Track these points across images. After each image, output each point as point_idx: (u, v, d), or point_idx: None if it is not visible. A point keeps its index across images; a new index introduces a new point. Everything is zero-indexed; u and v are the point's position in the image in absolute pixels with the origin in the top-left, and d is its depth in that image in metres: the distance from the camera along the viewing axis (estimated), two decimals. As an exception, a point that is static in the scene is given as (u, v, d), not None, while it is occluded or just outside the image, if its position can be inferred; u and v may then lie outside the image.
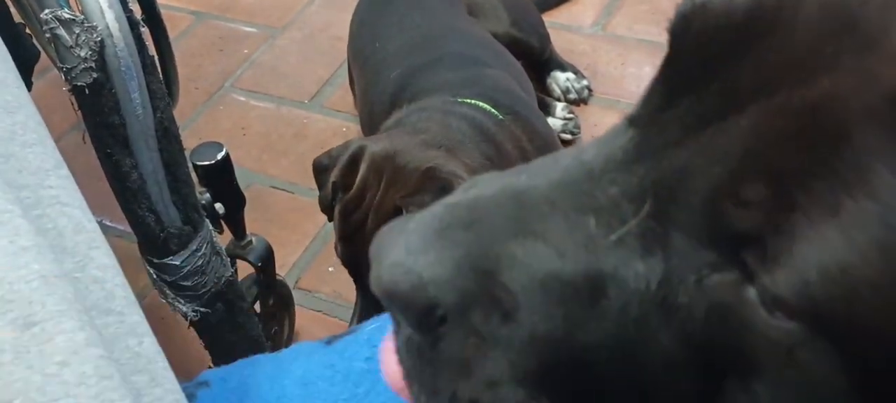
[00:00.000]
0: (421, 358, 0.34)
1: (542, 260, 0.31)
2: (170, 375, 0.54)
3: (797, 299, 0.26)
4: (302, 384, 0.58)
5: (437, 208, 0.33)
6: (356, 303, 1.17)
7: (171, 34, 1.05)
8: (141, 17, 1.13)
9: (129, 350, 0.53)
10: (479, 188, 0.34)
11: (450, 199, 0.34)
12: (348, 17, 1.57)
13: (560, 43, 1.74)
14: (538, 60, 1.67)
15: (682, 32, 0.32)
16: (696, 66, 0.30)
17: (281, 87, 1.79)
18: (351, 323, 1.09)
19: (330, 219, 1.16)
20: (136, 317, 0.56)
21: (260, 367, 0.61)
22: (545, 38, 1.67)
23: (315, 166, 1.17)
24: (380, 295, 0.34)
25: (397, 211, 1.05)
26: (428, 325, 0.33)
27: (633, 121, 0.33)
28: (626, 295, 0.31)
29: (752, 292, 0.28)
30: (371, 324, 0.62)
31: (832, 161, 0.26)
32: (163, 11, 1.02)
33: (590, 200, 0.31)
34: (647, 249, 0.30)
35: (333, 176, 1.10)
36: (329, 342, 0.62)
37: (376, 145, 1.08)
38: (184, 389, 0.56)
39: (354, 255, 1.09)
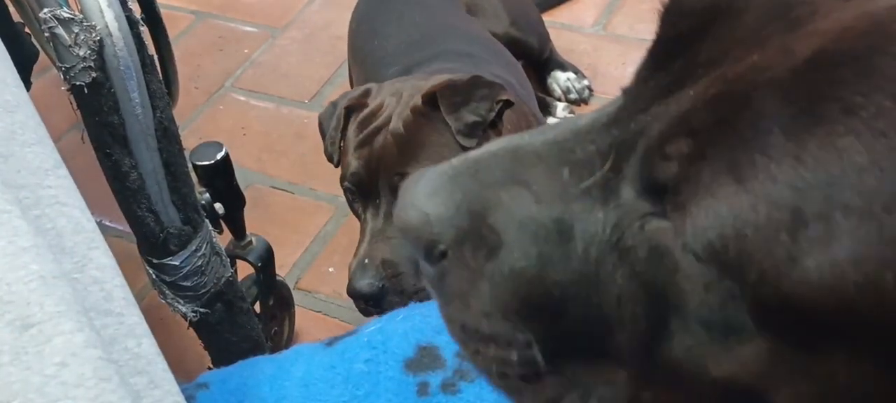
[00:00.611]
0: (436, 290, 0.39)
1: (522, 204, 0.36)
2: (169, 376, 0.54)
3: (701, 246, 0.30)
4: (302, 385, 0.58)
5: (455, 159, 0.38)
6: (361, 232, 1.11)
7: (171, 33, 1.04)
8: (140, 16, 1.12)
9: (128, 352, 0.53)
10: (490, 145, 0.39)
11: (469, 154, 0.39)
12: (349, 16, 1.57)
13: (561, 42, 1.73)
14: (538, 60, 1.67)
15: (666, 14, 0.36)
16: (672, 44, 0.35)
17: (281, 87, 1.78)
18: (356, 254, 1.06)
19: (335, 165, 1.14)
20: (135, 318, 0.56)
21: (260, 369, 0.61)
22: (545, 37, 1.67)
23: (321, 117, 1.19)
24: (398, 228, 0.39)
25: (430, 103, 1.04)
26: (434, 258, 0.38)
27: (624, 90, 0.37)
28: (587, 238, 0.35)
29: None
30: (371, 326, 0.62)
31: (736, 121, 0.29)
32: (163, 11, 1.01)
33: (569, 155, 0.36)
34: (606, 199, 0.34)
35: (345, 101, 1.12)
36: (329, 343, 0.61)
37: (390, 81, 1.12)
38: (183, 391, 0.55)
39: (367, 165, 1.06)
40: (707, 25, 0.34)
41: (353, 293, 1.04)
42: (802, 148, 0.27)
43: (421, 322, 0.61)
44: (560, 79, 1.68)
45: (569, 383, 0.38)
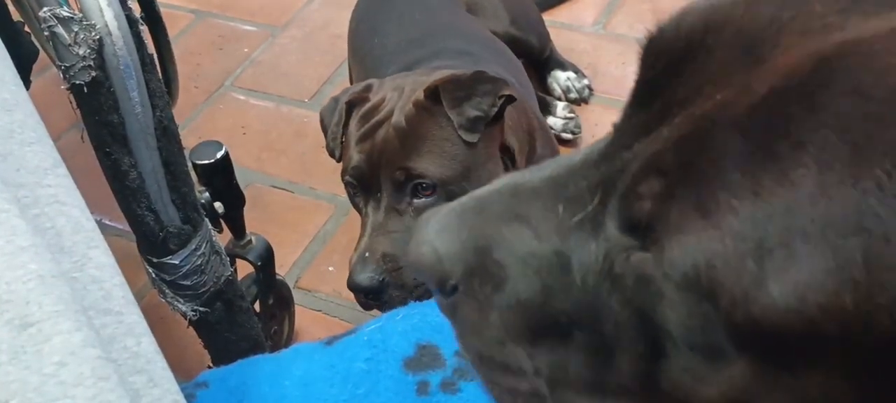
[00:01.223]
0: (452, 320, 0.42)
1: (523, 239, 0.38)
2: (168, 375, 0.54)
3: (678, 276, 0.32)
4: (302, 384, 0.57)
5: (463, 198, 0.41)
6: (362, 227, 1.10)
7: (171, 32, 1.04)
8: (140, 15, 1.12)
9: (128, 351, 0.53)
10: (494, 183, 0.41)
11: (475, 192, 0.41)
12: (348, 15, 1.57)
13: (561, 42, 1.73)
14: (538, 59, 1.67)
15: (644, 55, 0.37)
16: (651, 84, 0.36)
17: (281, 86, 1.78)
18: (356, 248, 1.06)
19: (337, 160, 1.14)
20: (135, 317, 0.56)
21: (259, 368, 0.61)
22: (545, 36, 1.67)
23: (322, 112, 1.18)
24: (412, 264, 0.41)
25: (432, 97, 1.04)
26: (447, 291, 0.40)
27: (615, 126, 0.38)
28: (584, 268, 0.37)
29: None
30: (371, 325, 0.61)
31: (700, 160, 0.31)
32: (162, 9, 1.01)
33: (563, 191, 0.38)
34: (596, 232, 0.36)
35: (347, 96, 1.12)
36: (329, 342, 0.61)
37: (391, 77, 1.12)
38: (183, 389, 0.55)
39: (368, 158, 1.06)
40: (682, 64, 0.35)
41: (353, 286, 1.03)
42: (759, 183, 0.29)
43: (420, 321, 0.60)
44: (560, 79, 1.68)
45: None
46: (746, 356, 0.31)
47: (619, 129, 0.37)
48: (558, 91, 1.68)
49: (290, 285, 1.37)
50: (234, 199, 1.07)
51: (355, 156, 1.07)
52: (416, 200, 1.04)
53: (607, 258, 0.36)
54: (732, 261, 0.29)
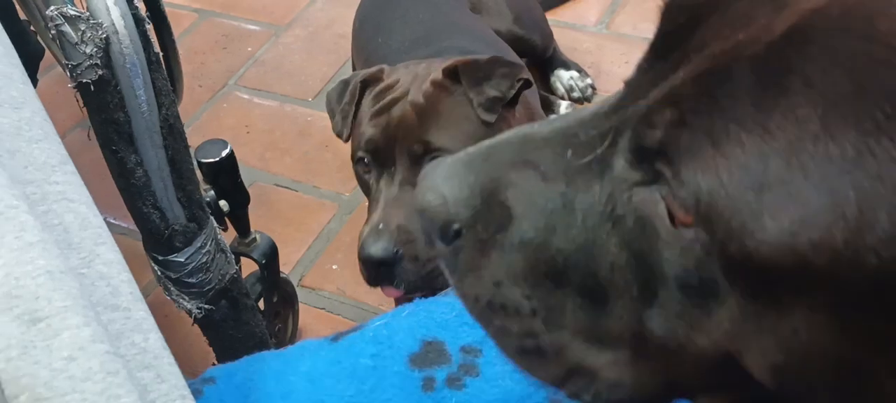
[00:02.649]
0: (450, 267, 0.42)
1: (531, 182, 0.39)
2: (176, 371, 0.54)
3: (679, 203, 0.33)
4: (308, 380, 0.58)
5: (470, 148, 0.42)
6: (374, 202, 1.08)
7: (175, 32, 1.04)
8: (145, 14, 1.13)
9: (135, 346, 0.53)
10: (501, 135, 0.42)
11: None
12: (352, 14, 1.57)
13: (564, 41, 1.73)
14: (541, 58, 1.67)
15: (667, 9, 0.38)
16: (671, 37, 0.37)
17: (285, 85, 1.78)
18: (368, 222, 1.04)
19: (345, 139, 1.13)
20: (142, 313, 0.56)
21: (266, 364, 0.61)
22: (548, 35, 1.67)
23: (329, 94, 1.18)
24: (418, 210, 0.42)
25: (451, 76, 1.05)
26: (449, 237, 0.41)
27: (626, 82, 0.40)
28: (586, 209, 0.38)
29: (662, 207, 0.35)
30: (377, 321, 0.62)
31: (716, 93, 0.32)
32: (167, 9, 1.02)
33: (572, 139, 0.39)
34: (602, 172, 0.37)
35: (361, 76, 1.12)
36: (335, 338, 0.62)
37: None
38: (190, 385, 0.56)
39: (384, 132, 1.05)
40: (704, 16, 0.36)
41: (365, 258, 1.01)
42: (769, 117, 0.30)
43: (426, 318, 0.61)
44: (563, 78, 1.68)
45: (576, 363, 0.40)
46: (737, 294, 0.32)
47: (633, 83, 0.38)
48: (561, 90, 1.68)
49: (295, 283, 1.37)
50: (238, 197, 1.07)
51: (370, 129, 1.06)
52: None
53: (610, 199, 0.37)
54: (734, 192, 0.30)
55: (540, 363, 0.41)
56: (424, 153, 1.02)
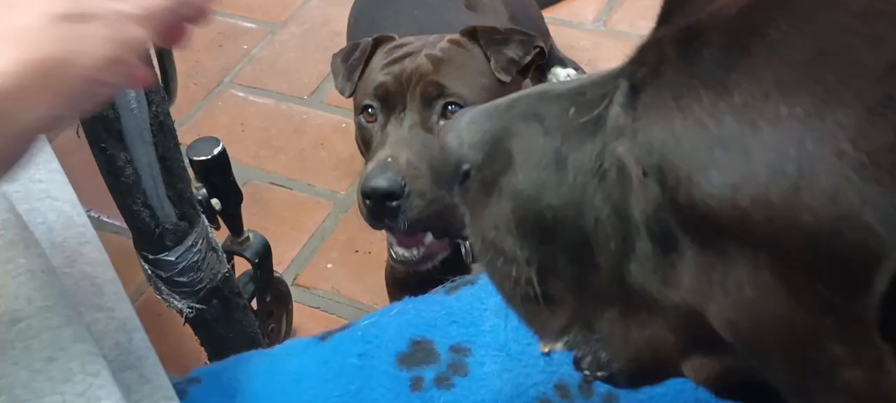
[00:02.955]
0: (463, 205, 0.45)
1: (533, 134, 0.41)
2: (160, 371, 0.53)
3: (640, 148, 0.34)
4: (294, 380, 0.57)
5: (499, 99, 0.44)
6: (379, 143, 1.05)
7: (168, 28, 1.04)
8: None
9: (119, 347, 0.53)
10: (528, 89, 0.45)
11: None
12: (348, 12, 1.56)
13: (561, 39, 1.72)
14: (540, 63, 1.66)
15: None
16: (674, 2, 0.38)
17: (280, 83, 1.78)
18: (372, 158, 1.00)
19: (348, 95, 1.12)
20: (127, 313, 0.55)
21: (252, 364, 0.60)
22: (544, 33, 1.66)
23: (335, 55, 1.19)
24: (441, 150, 0.45)
25: (470, 36, 1.05)
26: (460, 177, 0.44)
27: (637, 47, 0.41)
28: (577, 166, 0.40)
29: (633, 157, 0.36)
30: (366, 320, 0.61)
31: (688, 50, 0.33)
32: (159, 5, 1.01)
33: (579, 97, 0.40)
34: (596, 131, 0.39)
35: (373, 37, 1.12)
36: (323, 338, 0.61)
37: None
38: (175, 386, 0.55)
39: (396, 79, 1.04)
40: None
41: (369, 191, 0.96)
42: (728, 76, 0.31)
43: (415, 316, 0.60)
44: (560, 76, 1.67)
45: (573, 315, 0.42)
46: (690, 246, 0.34)
47: (640, 46, 0.39)
48: (558, 88, 1.67)
49: (289, 282, 1.36)
50: (231, 196, 1.06)
51: (381, 76, 1.05)
52: (444, 121, 1.00)
53: (599, 156, 0.38)
54: (685, 145, 0.32)
55: (539, 313, 0.43)
56: (438, 96, 1.01)
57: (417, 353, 0.56)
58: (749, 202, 0.30)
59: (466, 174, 0.44)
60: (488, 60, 1.05)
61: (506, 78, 1.04)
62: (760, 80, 0.30)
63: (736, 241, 0.31)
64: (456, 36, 1.08)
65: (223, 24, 1.94)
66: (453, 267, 1.09)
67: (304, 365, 0.58)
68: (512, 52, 1.05)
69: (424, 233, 1.02)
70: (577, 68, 1.68)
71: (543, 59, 1.09)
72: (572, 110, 0.40)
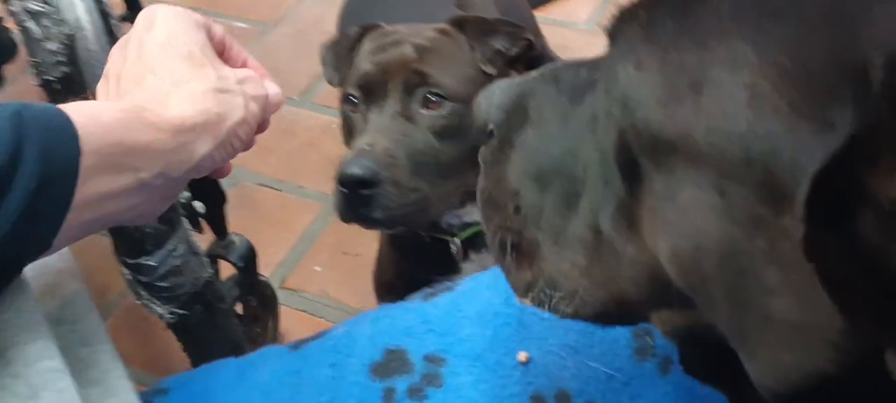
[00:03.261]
0: (483, 165, 0.49)
1: (548, 93, 0.46)
2: (125, 384, 0.52)
3: (613, 91, 0.38)
4: (264, 392, 0.56)
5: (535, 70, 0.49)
6: (359, 132, 1.04)
7: (154, 29, 1.02)
8: (124, 12, 1.10)
9: (82, 361, 0.51)
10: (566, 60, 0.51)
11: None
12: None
13: (554, 39, 1.71)
14: (530, 57, 1.64)
15: None
16: None
17: (270, 83, 1.76)
18: (352, 147, 0.99)
19: (337, 84, 1.10)
20: (92, 325, 0.54)
21: (222, 373, 0.59)
22: (536, 34, 1.64)
23: (324, 45, 1.16)
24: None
25: (457, 26, 1.05)
26: (486, 135, 0.49)
27: None
28: (577, 118, 0.43)
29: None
30: (339, 328, 0.60)
31: (650, 9, 0.37)
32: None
33: (592, 62, 0.44)
34: (596, 90, 0.42)
35: (360, 26, 1.11)
36: (296, 347, 0.60)
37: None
38: (142, 397, 0.53)
39: (382, 68, 1.02)
40: None
41: (344, 177, 0.93)
42: (686, 18, 0.34)
43: (389, 324, 0.59)
44: (552, 76, 1.66)
45: (542, 268, 0.45)
46: (647, 167, 0.36)
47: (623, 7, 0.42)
48: (550, 88, 1.66)
49: (277, 285, 1.35)
50: (214, 198, 1.05)
51: (366, 65, 1.03)
52: (424, 110, 0.98)
53: (593, 107, 0.42)
54: (641, 79, 0.35)
55: (514, 264, 0.47)
56: (419, 85, 0.99)
57: (391, 363, 0.55)
58: (692, 119, 0.33)
59: (491, 134, 0.48)
60: (474, 48, 1.04)
61: (491, 70, 1.02)
62: (708, 25, 0.33)
63: (683, 158, 0.34)
64: (444, 25, 1.06)
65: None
66: (443, 266, 1.08)
67: (274, 375, 0.57)
68: (499, 43, 1.04)
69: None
70: (569, 68, 1.67)
71: (532, 52, 1.07)
72: (584, 72, 0.44)
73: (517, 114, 0.46)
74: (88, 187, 0.46)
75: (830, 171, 0.28)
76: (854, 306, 0.30)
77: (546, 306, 0.45)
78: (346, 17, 1.51)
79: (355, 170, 0.93)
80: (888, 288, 0.29)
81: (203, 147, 0.52)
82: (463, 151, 0.97)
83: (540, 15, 1.70)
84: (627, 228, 0.39)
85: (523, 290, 0.46)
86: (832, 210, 0.29)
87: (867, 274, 0.29)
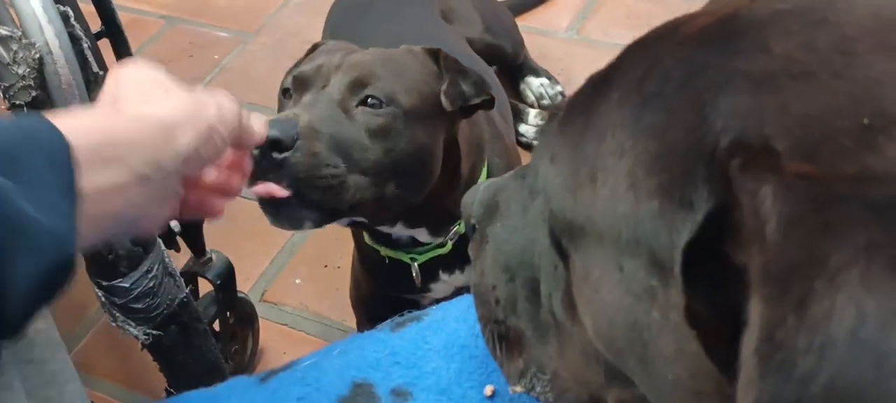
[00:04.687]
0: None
1: (516, 187, 0.49)
2: (92, 422, 0.52)
3: (541, 182, 0.42)
4: (230, 427, 0.56)
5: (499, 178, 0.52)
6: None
7: (141, 38, 1.01)
8: (101, 28, 1.10)
9: (50, 401, 0.51)
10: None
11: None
12: (321, 22, 1.54)
13: (534, 47, 1.71)
14: (512, 65, 1.65)
15: None
16: None
17: (251, 93, 1.75)
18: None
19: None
20: (59, 365, 0.54)
21: (190, 407, 0.59)
22: (519, 43, 1.65)
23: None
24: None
25: (430, 54, 1.02)
26: (469, 231, 0.52)
27: None
28: (533, 213, 0.45)
29: None
30: (307, 360, 0.60)
31: (568, 109, 0.39)
32: (132, 15, 0.99)
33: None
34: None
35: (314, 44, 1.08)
36: (264, 379, 0.60)
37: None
38: (108, 432, 0.53)
39: (315, 68, 0.98)
40: None
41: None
42: (593, 112, 0.36)
43: (357, 356, 0.59)
44: (533, 85, 1.66)
45: (530, 355, 0.47)
46: (570, 247, 0.38)
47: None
48: (531, 97, 1.66)
49: (256, 298, 1.35)
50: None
51: (306, 65, 0.99)
52: (362, 107, 0.93)
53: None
54: (553, 170, 0.38)
55: (505, 355, 0.48)
56: (364, 85, 0.94)
57: (358, 397, 0.55)
58: (592, 203, 0.35)
59: (474, 229, 0.51)
60: (442, 79, 1.00)
61: (448, 106, 0.98)
62: (600, 123, 0.36)
63: (591, 239, 0.36)
64: (417, 48, 1.03)
65: (194, 34, 1.92)
66: (412, 286, 1.08)
67: (242, 410, 0.57)
68: (465, 86, 1.00)
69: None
70: (550, 77, 1.67)
71: (490, 109, 1.05)
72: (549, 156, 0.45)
73: (491, 208, 0.49)
74: (88, 180, 0.48)
75: (704, 244, 0.30)
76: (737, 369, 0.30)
77: (537, 391, 0.47)
78: (331, 31, 1.51)
79: (270, 134, 0.82)
80: None
81: (186, 137, 0.56)
82: (391, 158, 0.92)
83: (520, 22, 1.71)
84: (571, 309, 0.40)
85: (516, 379, 0.48)
86: (713, 280, 0.30)
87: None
